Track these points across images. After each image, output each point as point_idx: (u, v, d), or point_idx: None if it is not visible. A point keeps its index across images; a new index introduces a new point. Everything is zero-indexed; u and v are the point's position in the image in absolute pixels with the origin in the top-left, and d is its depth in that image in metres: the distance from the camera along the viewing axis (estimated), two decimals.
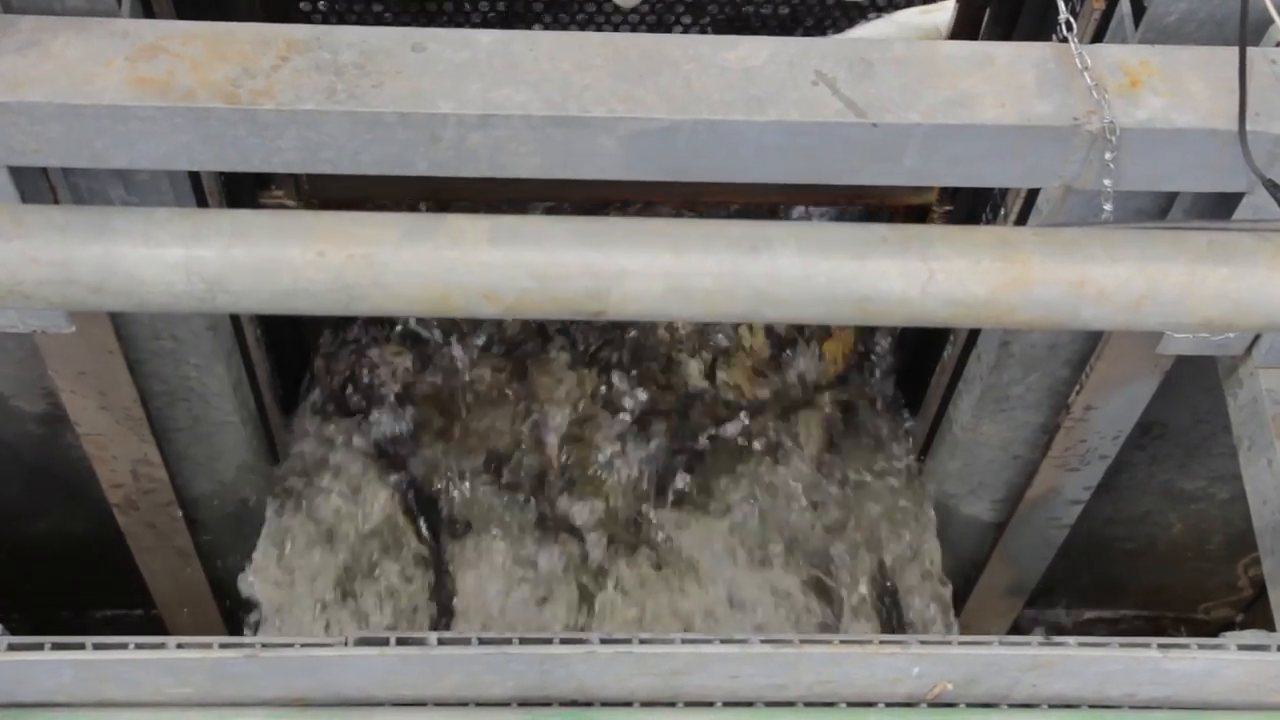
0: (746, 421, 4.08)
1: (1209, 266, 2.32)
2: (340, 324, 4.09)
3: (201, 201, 2.90)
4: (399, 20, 3.82)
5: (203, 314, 3.06)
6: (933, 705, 2.44)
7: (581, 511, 3.96)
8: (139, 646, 2.35)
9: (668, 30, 3.80)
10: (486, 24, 3.92)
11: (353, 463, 3.99)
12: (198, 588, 3.95)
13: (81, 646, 2.31)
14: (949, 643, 2.40)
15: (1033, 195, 3.00)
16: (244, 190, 3.18)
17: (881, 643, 2.37)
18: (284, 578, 3.88)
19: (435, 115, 2.33)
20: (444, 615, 3.87)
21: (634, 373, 4.08)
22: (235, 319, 3.33)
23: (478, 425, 4.05)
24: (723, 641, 2.36)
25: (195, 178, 2.86)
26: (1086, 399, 3.26)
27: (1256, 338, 2.83)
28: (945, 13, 3.44)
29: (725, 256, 2.26)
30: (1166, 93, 2.42)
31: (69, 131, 2.32)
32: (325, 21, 3.80)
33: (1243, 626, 4.46)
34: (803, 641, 2.37)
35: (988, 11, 3.15)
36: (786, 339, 4.16)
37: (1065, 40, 2.46)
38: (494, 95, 2.34)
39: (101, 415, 3.25)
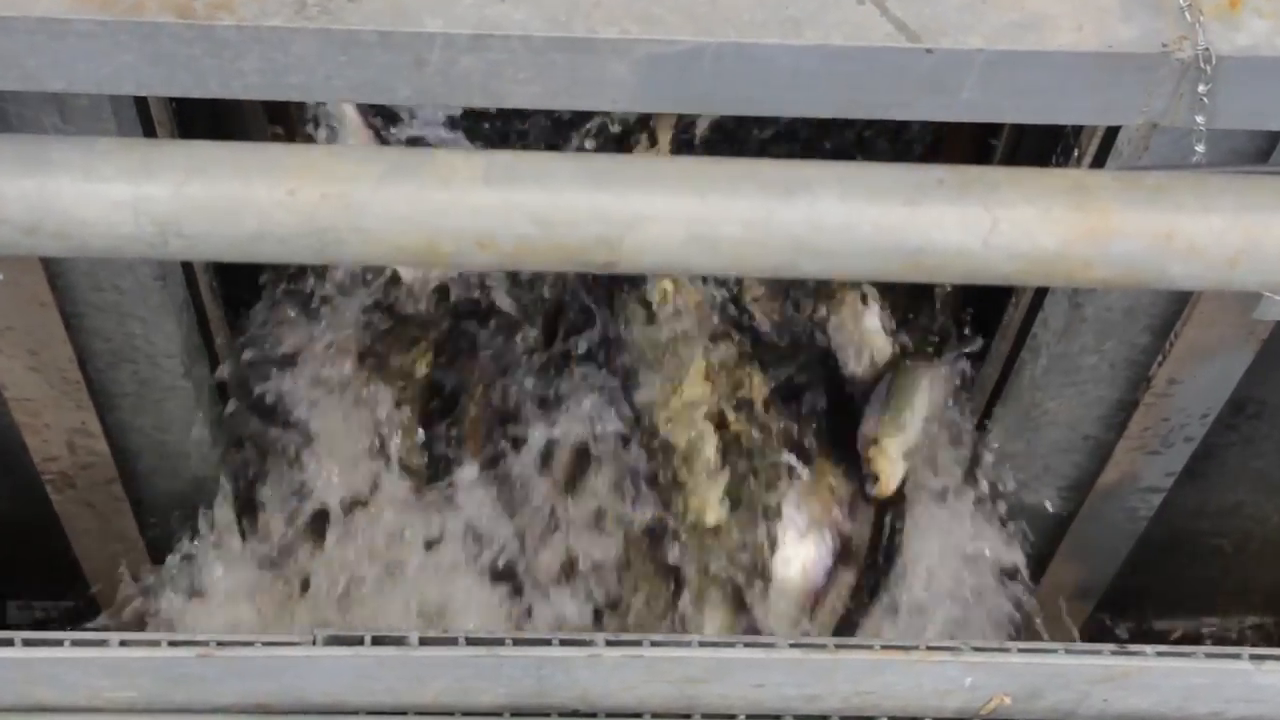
0: None
1: None
2: None
3: (150, 133, 2.90)
4: None
5: (152, 261, 3.06)
6: None
7: None
8: (76, 644, 2.37)
9: None
10: None
11: None
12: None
13: (10, 643, 2.33)
14: (1007, 650, 2.41)
15: (1112, 134, 2.98)
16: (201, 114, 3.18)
17: (929, 648, 2.39)
18: None
19: (420, 35, 2.32)
20: None
21: None
22: (188, 268, 3.33)
23: None
24: (746, 645, 2.38)
25: (142, 105, 2.86)
26: (1170, 371, 3.26)
27: None
28: None
29: (757, 201, 2.26)
30: (1272, 15, 2.41)
31: None
32: None
33: None
34: (838, 646, 2.39)
35: None
36: None
37: None
38: (489, 12, 2.34)
39: (32, 378, 3.26)
